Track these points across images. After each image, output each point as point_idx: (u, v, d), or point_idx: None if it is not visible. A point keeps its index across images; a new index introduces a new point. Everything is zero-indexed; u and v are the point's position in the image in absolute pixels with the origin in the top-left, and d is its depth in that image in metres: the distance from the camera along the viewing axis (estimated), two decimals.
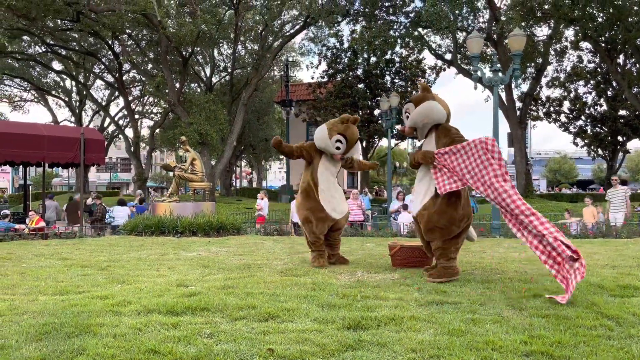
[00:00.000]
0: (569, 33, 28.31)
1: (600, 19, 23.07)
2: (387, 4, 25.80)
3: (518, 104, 28.14)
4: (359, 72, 31.70)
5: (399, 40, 24.92)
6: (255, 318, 3.89)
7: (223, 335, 3.49)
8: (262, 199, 16.04)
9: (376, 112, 31.15)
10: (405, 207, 13.88)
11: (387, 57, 29.26)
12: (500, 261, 6.77)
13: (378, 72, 31.34)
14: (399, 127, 31.01)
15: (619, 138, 32.68)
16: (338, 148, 6.40)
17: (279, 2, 24.24)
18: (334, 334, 3.49)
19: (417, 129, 5.79)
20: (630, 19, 22.63)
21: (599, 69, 30.64)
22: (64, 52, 30.15)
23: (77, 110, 38.78)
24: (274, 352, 3.17)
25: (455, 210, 5.33)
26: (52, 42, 28.40)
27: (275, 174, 75.11)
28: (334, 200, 6.48)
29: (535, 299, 4.43)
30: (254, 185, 57.17)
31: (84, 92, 36.13)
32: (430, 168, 5.51)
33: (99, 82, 37.84)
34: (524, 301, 4.36)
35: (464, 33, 24.62)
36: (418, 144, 6.11)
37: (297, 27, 28.22)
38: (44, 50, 30.23)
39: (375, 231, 12.03)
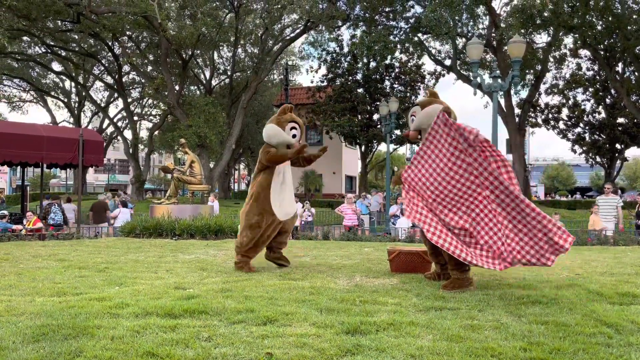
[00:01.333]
0: (568, 40, 28.42)
1: (599, 27, 23.17)
2: (387, 10, 25.88)
3: (517, 111, 28.22)
4: (359, 76, 31.77)
5: (398, 46, 24.99)
6: (253, 322, 3.87)
7: (221, 338, 3.47)
8: (213, 201, 16.13)
9: (375, 116, 31.20)
10: (403, 211, 13.87)
11: (387, 62, 29.35)
12: None
13: (377, 77, 31.41)
14: (398, 132, 31.13)
15: (617, 146, 32.77)
16: (294, 136, 6.40)
17: (279, 6, 24.30)
18: (332, 338, 3.48)
19: (421, 133, 5.68)
20: (629, 27, 22.72)
21: (597, 77, 30.75)
22: (63, 53, 30.16)
23: (76, 112, 38.75)
24: (272, 356, 3.15)
25: None
26: (52, 43, 28.41)
27: None
28: (285, 202, 6.46)
29: (534, 306, 4.43)
30: None
31: (83, 93, 36.12)
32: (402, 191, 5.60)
33: (98, 84, 37.86)
34: (523, 308, 4.36)
35: (464, 39, 24.69)
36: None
37: (298, 31, 28.30)
38: (43, 51, 30.23)
39: (373, 235, 12.02)
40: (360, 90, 31.58)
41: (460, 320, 3.95)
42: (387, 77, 32.11)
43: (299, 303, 4.45)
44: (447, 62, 28.62)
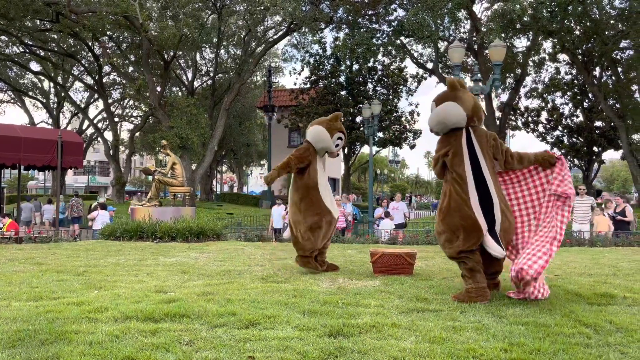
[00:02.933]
0: (547, 45, 28.91)
1: (577, 32, 23.61)
2: (370, 13, 26.01)
3: (498, 114, 28.57)
4: (342, 79, 31.88)
5: (381, 49, 25.13)
6: (235, 325, 3.84)
7: (203, 342, 3.43)
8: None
9: (358, 119, 31.33)
10: (387, 214, 13.93)
11: (370, 64, 29.49)
12: None
13: (360, 79, 31.55)
14: (381, 134, 31.27)
15: (595, 148, 33.38)
16: (337, 145, 6.54)
17: (262, 8, 24.25)
18: (315, 341, 3.46)
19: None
20: (606, 33, 23.22)
21: (575, 81, 31.30)
22: (42, 53, 29.68)
23: (54, 112, 38.13)
24: (254, 359, 3.13)
25: (456, 217, 4.79)
26: (30, 43, 27.94)
27: (257, 180, 74.82)
28: (333, 203, 6.53)
29: (515, 307, 4.47)
30: (235, 190, 56.85)
31: (62, 94, 35.57)
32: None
33: (77, 84, 37.33)
34: (503, 309, 4.40)
35: (446, 43, 24.94)
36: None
37: (281, 33, 28.28)
38: (21, 50, 29.71)
39: (355, 237, 12.04)
40: (343, 92, 31.69)
41: (442, 321, 3.97)
42: (369, 80, 32.28)
43: (282, 306, 4.43)
44: (429, 65, 28.89)
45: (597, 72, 27.73)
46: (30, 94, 36.58)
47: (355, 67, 30.41)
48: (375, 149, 31.90)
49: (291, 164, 6.33)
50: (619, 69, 25.49)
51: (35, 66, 33.47)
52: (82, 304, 4.45)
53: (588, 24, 22.69)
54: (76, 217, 16.46)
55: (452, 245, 4.82)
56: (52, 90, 38.12)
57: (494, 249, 4.72)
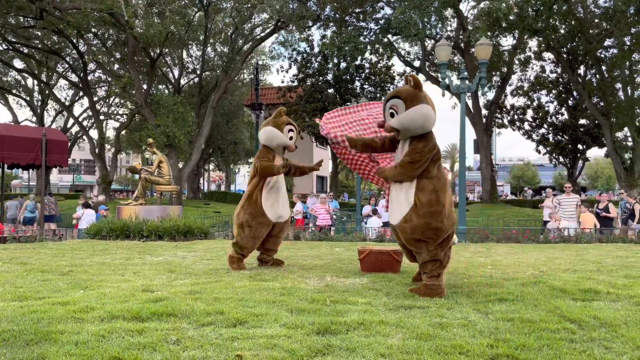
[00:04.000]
0: (533, 44, 29.15)
1: (562, 31, 23.84)
2: (357, 11, 26.01)
3: (484, 112, 28.78)
4: (329, 77, 31.85)
5: (368, 47, 25.16)
6: (223, 324, 3.83)
7: (190, 341, 3.42)
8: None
9: None
10: (374, 211, 13.98)
11: (357, 62, 29.50)
12: (467, 266, 6.87)
13: (348, 77, 31.55)
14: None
15: (579, 146, 33.76)
16: (291, 138, 6.57)
17: (249, 5, 24.14)
18: (303, 339, 3.47)
19: (400, 131, 4.98)
20: (591, 31, 23.47)
21: (560, 79, 31.60)
22: (26, 50, 29.25)
23: (38, 110, 37.61)
24: (242, 358, 3.12)
25: (441, 221, 4.81)
26: (13, 40, 27.52)
27: (244, 178, 74.55)
28: (277, 203, 6.57)
29: (500, 303, 4.51)
30: (222, 188, 56.62)
31: (47, 92, 35.11)
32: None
33: (62, 82, 36.85)
34: (489, 305, 4.44)
35: (433, 41, 25.05)
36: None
37: (268, 30, 28.17)
38: (4, 47, 29.24)
39: (343, 235, 12.07)
40: (330, 90, 31.67)
41: (429, 318, 3.99)
42: (357, 78, 32.30)
43: (270, 304, 4.43)
44: (416, 63, 28.99)
45: (581, 70, 28.02)
46: (14, 91, 36.05)
47: (343, 65, 30.38)
48: None
49: (271, 171, 6.41)
50: (603, 68, 25.79)
51: (18, 63, 32.99)
52: (67, 304, 4.40)
53: (573, 22, 22.93)
54: (49, 215, 16.30)
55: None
56: (36, 87, 37.59)
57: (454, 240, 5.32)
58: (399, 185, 5.08)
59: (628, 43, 23.46)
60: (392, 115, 4.92)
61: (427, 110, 4.83)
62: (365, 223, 14.01)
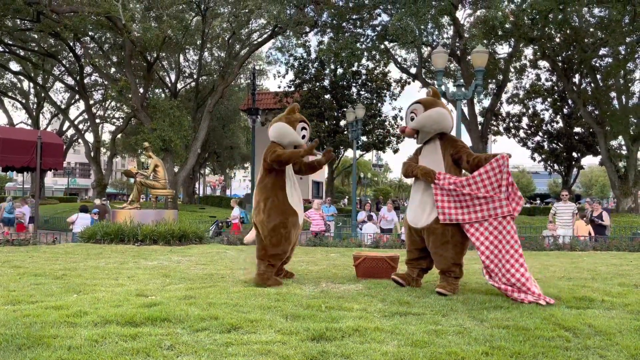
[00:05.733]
0: (528, 52, 29.35)
1: (557, 40, 24.01)
2: (354, 17, 26.09)
3: (480, 119, 28.89)
4: (326, 82, 31.94)
5: (365, 53, 25.24)
6: (217, 329, 3.81)
7: (184, 347, 3.40)
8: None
9: (342, 123, 31.40)
10: (369, 217, 13.98)
11: (354, 69, 29.60)
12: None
13: (344, 83, 31.65)
14: (365, 138, 31.35)
15: (574, 154, 33.93)
16: (304, 137, 6.01)
17: (247, 11, 24.21)
18: (297, 345, 3.45)
19: (419, 133, 5.52)
20: (586, 40, 23.65)
21: (555, 87, 31.80)
22: (22, 53, 29.20)
23: (34, 113, 37.53)
24: None
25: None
26: (10, 42, 27.46)
27: (240, 182, 74.50)
28: (299, 205, 6.03)
29: (496, 310, 4.51)
30: (218, 193, 56.52)
31: (42, 95, 35.02)
32: (432, 186, 5.33)
33: (58, 85, 36.81)
34: (485, 312, 4.44)
35: (429, 48, 25.15)
36: (414, 147, 5.75)
37: (265, 36, 28.24)
38: (1, 50, 29.19)
39: (339, 241, 12.06)
40: (327, 96, 31.75)
41: (424, 325, 3.98)
42: (353, 84, 32.40)
43: (264, 310, 4.41)
44: (413, 70, 29.11)
45: (576, 79, 28.21)
46: (10, 94, 35.96)
47: (340, 71, 30.49)
48: (358, 152, 31.98)
49: (296, 155, 5.76)
50: (598, 76, 25.98)
51: (14, 66, 32.92)
52: (60, 308, 4.37)
53: (568, 31, 23.10)
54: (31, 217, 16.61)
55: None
56: (32, 90, 37.53)
57: None
58: (422, 186, 5.47)
59: (623, 52, 23.66)
60: (412, 119, 5.53)
61: (443, 111, 5.44)
62: (361, 229, 14.00)
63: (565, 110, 32.72)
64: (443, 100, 6.54)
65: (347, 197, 43.90)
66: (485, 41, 21.23)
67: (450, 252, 5.28)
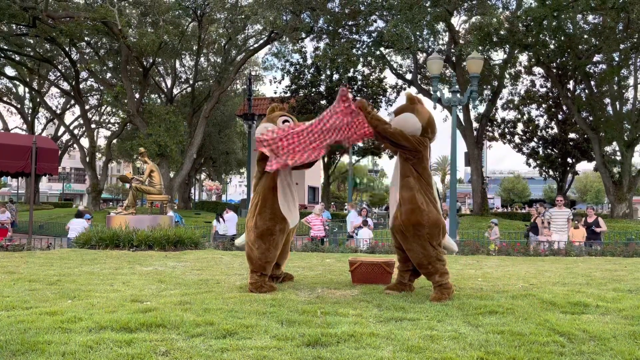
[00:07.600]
0: (523, 58, 29.47)
1: (552, 46, 24.14)
2: (350, 23, 26.21)
3: (475, 125, 28.98)
4: (322, 88, 31.99)
5: (361, 59, 25.33)
6: (212, 335, 3.80)
7: (179, 352, 3.39)
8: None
9: None
10: (365, 222, 13.98)
11: (350, 74, 29.68)
12: (457, 278, 6.88)
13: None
14: (360, 143, 31.34)
15: (569, 160, 34.08)
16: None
17: (243, 17, 24.26)
18: (293, 350, 3.45)
19: None
20: (580, 47, 23.81)
21: (550, 94, 31.96)
22: (17, 58, 29.14)
23: (29, 118, 37.41)
24: None
25: (421, 216, 5.27)
26: (5, 47, 27.41)
27: (236, 188, 74.42)
28: (292, 206, 5.96)
29: (491, 316, 4.52)
30: (214, 198, 56.40)
31: (38, 100, 34.93)
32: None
33: (53, 90, 36.71)
34: (480, 317, 4.45)
35: (424, 54, 25.25)
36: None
37: (261, 41, 28.30)
38: None
39: (335, 247, 12.05)
40: (323, 102, 31.79)
41: (419, 330, 3.99)
42: (349, 90, 32.46)
43: (260, 315, 4.41)
44: (408, 76, 29.20)
45: (571, 85, 28.37)
46: (5, 99, 35.84)
47: (336, 76, 30.55)
48: (354, 158, 32.05)
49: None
50: (592, 83, 26.15)
51: (10, 71, 32.84)
52: (55, 314, 4.35)
53: (562, 38, 23.24)
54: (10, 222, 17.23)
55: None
56: (27, 95, 37.42)
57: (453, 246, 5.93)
58: (393, 188, 5.66)
59: (617, 59, 23.83)
60: None
61: (407, 117, 5.57)
62: (356, 234, 13.99)
63: (559, 116, 32.89)
64: (426, 101, 6.78)
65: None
66: (480, 47, 21.31)
67: (414, 245, 5.32)
